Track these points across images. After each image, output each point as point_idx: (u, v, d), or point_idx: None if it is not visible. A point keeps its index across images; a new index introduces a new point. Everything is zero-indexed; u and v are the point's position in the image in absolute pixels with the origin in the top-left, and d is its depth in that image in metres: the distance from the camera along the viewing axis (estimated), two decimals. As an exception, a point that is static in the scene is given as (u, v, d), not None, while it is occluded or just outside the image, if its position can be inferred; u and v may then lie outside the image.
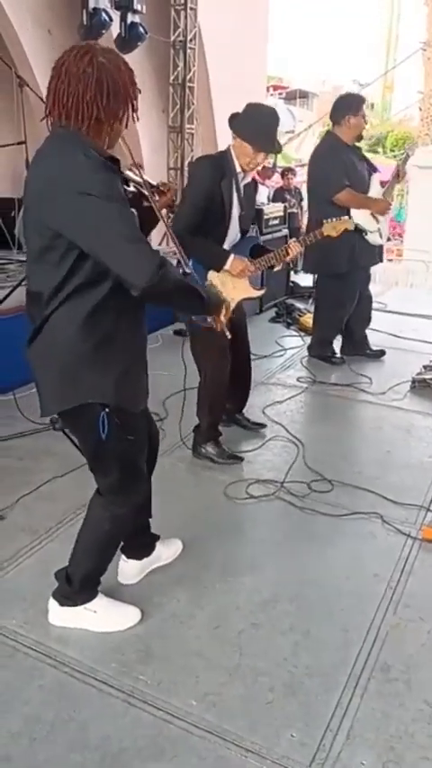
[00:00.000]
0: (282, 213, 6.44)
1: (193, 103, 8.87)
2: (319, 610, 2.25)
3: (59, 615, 2.10)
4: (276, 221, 6.33)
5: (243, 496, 2.94)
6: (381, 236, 4.43)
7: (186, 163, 8.25)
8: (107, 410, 1.82)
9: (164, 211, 2.14)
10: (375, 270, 5.16)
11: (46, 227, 1.68)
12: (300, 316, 5.71)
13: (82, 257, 1.68)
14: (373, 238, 4.40)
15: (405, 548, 2.59)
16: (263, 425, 3.64)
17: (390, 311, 6.17)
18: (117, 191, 1.67)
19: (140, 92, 1.78)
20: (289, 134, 18.84)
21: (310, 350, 4.88)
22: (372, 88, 27.40)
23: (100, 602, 2.12)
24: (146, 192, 2.00)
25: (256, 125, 2.89)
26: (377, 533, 2.70)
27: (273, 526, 2.77)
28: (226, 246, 3.07)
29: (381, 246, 4.62)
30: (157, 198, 2.04)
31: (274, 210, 6.33)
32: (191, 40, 8.55)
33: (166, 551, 2.44)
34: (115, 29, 7.07)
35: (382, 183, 4.46)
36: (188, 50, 8.56)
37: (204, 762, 1.68)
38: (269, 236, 6.07)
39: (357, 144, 4.53)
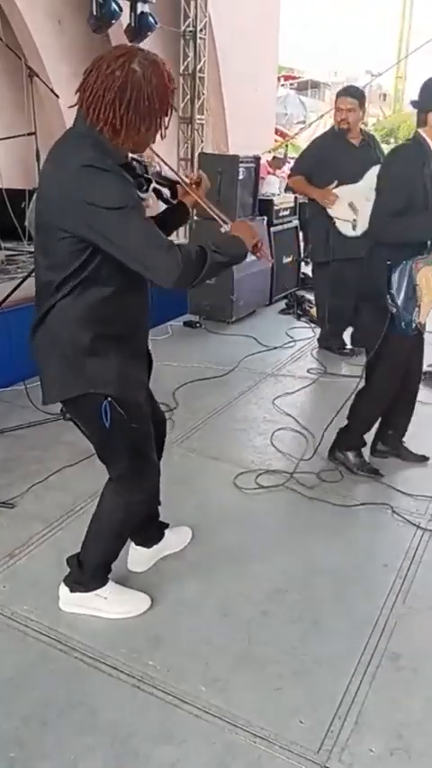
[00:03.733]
0: (292, 204, 6.41)
1: (203, 94, 8.82)
2: (329, 599, 2.25)
3: (70, 601, 2.12)
4: (287, 212, 6.30)
5: (252, 486, 2.95)
6: (354, 228, 4.32)
7: (197, 154, 8.21)
8: (109, 399, 1.82)
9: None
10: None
11: (59, 228, 1.69)
12: (310, 307, 5.68)
13: (95, 252, 1.70)
14: (342, 227, 4.34)
15: (415, 538, 2.59)
16: (426, 458, 3.23)
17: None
18: (127, 197, 1.65)
19: (175, 110, 1.76)
20: (300, 124, 18.69)
21: (320, 341, 4.87)
22: (384, 78, 27.21)
23: (110, 588, 2.13)
24: (184, 186, 2.02)
25: None
26: (387, 524, 2.70)
27: (282, 516, 2.78)
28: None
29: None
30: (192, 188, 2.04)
31: (284, 201, 6.30)
32: (201, 30, 8.48)
33: (175, 539, 2.45)
34: (125, 19, 7.03)
35: None
36: (198, 40, 8.50)
37: (213, 746, 1.70)
38: (279, 227, 6.05)
39: (367, 133, 4.55)
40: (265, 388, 4.13)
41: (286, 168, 9.90)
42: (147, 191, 1.93)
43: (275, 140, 11.88)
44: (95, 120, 1.65)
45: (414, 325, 2.73)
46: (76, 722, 1.76)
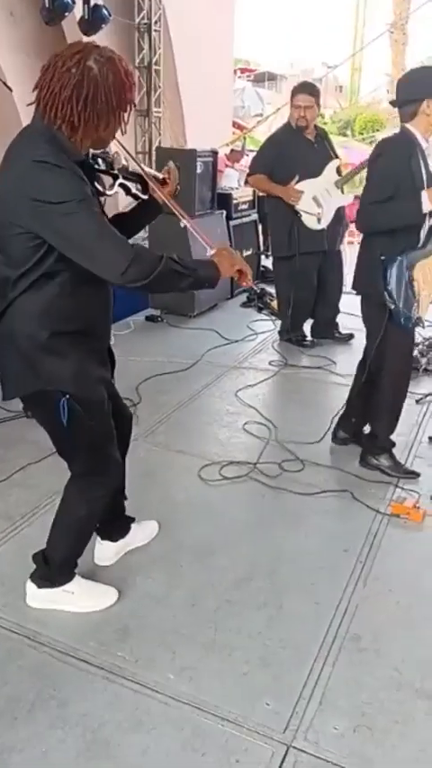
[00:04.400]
0: (251, 198, 6.45)
1: (159, 87, 8.80)
2: (292, 585, 2.31)
3: (37, 597, 2.14)
4: (246, 206, 6.35)
5: (217, 478, 2.99)
6: (319, 222, 4.43)
7: (154, 147, 8.18)
8: (67, 397, 1.84)
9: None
10: (345, 254, 5.18)
11: (14, 225, 1.70)
12: (271, 300, 5.74)
13: (51, 248, 1.71)
14: (308, 221, 4.42)
15: (374, 523, 2.67)
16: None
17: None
18: (75, 192, 1.65)
19: (135, 106, 1.77)
20: (257, 117, 18.74)
21: (281, 334, 4.93)
22: (341, 70, 27.41)
23: (77, 583, 2.15)
24: (150, 183, 2.01)
25: None
26: (347, 510, 2.78)
27: (246, 506, 2.83)
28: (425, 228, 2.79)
29: (334, 232, 4.65)
30: (159, 187, 2.04)
31: (243, 195, 6.34)
32: (156, 23, 8.47)
33: (141, 533, 2.48)
34: (78, 11, 6.96)
35: (339, 171, 4.52)
36: (153, 33, 8.48)
37: (182, 732, 1.74)
38: (238, 221, 6.10)
39: (319, 127, 4.62)
40: (227, 380, 4.17)
41: (244, 161, 9.97)
42: (113, 186, 1.93)
43: (233, 133, 11.90)
44: (53, 118, 1.67)
45: (413, 320, 2.75)
46: (47, 716, 1.78)
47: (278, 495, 2.87)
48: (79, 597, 2.13)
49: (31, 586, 2.15)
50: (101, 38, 7.22)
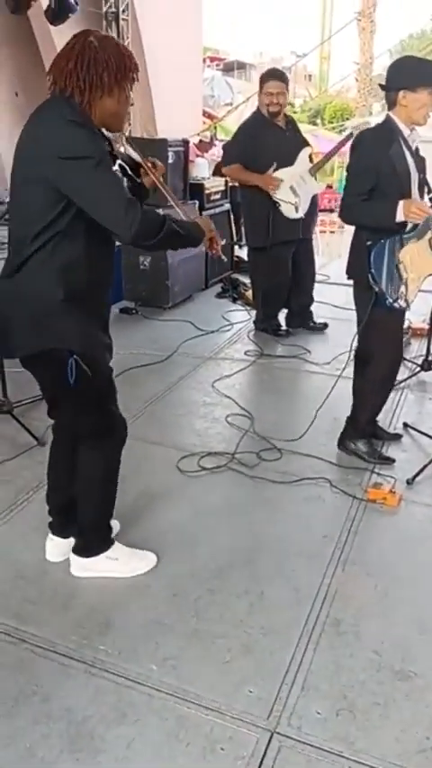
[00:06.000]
0: (223, 188, 6.43)
1: (128, 77, 8.72)
2: (272, 572, 2.33)
3: (82, 566, 2.22)
4: (218, 196, 6.32)
5: (195, 469, 2.99)
6: (297, 211, 4.44)
7: (124, 138, 8.10)
8: (75, 357, 1.91)
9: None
10: (317, 243, 5.21)
11: (36, 181, 1.80)
12: (245, 290, 5.75)
13: (69, 205, 1.80)
14: (286, 210, 4.43)
15: (351, 509, 2.70)
16: (401, 435, 3.34)
17: (333, 283, 6.27)
18: (100, 151, 1.80)
19: (137, 79, 1.91)
20: (227, 106, 18.65)
21: (256, 324, 4.94)
22: (309, 59, 27.44)
23: (119, 549, 2.26)
24: (146, 167, 2.16)
25: (414, 67, 2.72)
26: (325, 497, 2.80)
27: (225, 496, 2.84)
28: None
29: (308, 221, 4.66)
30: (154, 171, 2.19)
31: (215, 185, 6.31)
32: (123, 11, 8.38)
33: None
34: (45, 0, 6.85)
35: (312, 158, 4.53)
36: (121, 22, 8.39)
37: (166, 722, 1.75)
38: (211, 211, 6.07)
39: (288, 116, 4.61)
40: (203, 371, 4.17)
41: (215, 151, 9.89)
42: (113, 165, 2.04)
43: (203, 122, 11.86)
44: (64, 87, 1.84)
45: (400, 302, 2.78)
46: (31, 711, 1.77)
47: (257, 485, 2.89)
48: (123, 562, 2.24)
49: (74, 558, 2.22)
50: (68, 27, 7.11)
